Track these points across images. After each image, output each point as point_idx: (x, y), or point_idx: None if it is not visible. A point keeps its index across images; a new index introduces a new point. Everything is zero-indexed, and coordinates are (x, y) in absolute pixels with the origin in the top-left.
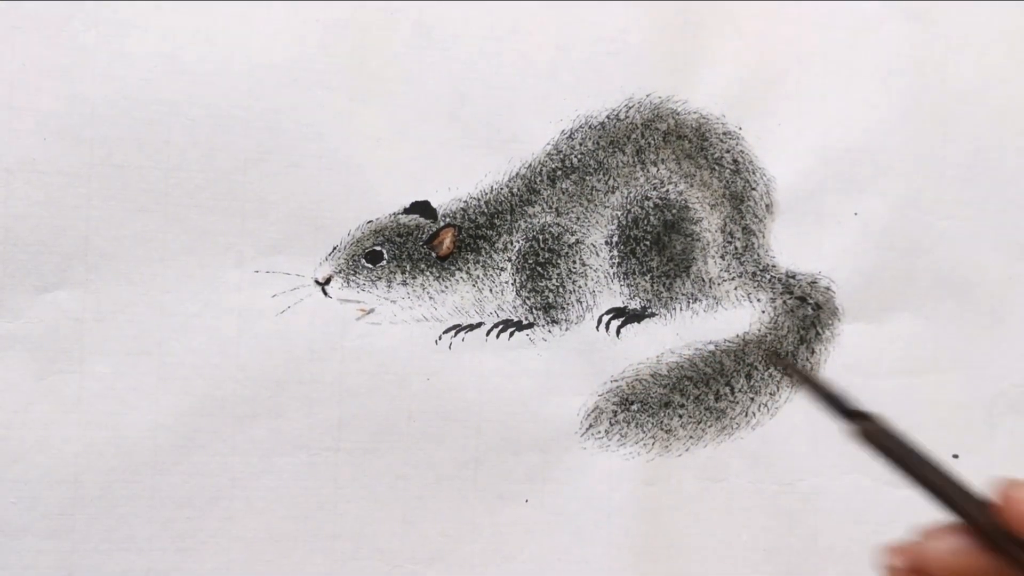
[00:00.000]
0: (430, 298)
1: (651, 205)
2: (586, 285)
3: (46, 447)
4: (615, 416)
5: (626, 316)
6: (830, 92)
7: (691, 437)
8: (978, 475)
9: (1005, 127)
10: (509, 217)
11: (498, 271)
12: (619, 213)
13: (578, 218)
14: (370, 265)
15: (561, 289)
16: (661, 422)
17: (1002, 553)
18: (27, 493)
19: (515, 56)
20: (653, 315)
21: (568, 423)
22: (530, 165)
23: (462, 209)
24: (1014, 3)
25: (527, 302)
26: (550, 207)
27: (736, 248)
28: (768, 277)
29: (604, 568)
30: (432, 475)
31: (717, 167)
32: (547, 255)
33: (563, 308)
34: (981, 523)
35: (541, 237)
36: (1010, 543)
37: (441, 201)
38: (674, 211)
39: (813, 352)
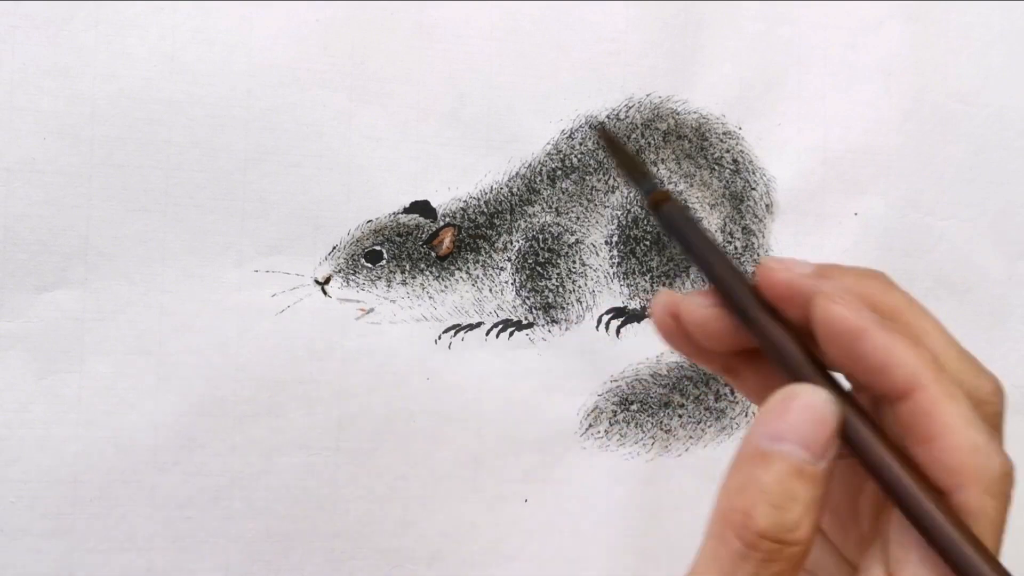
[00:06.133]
0: (430, 298)
1: None
2: (586, 285)
3: (46, 447)
4: (615, 416)
5: (626, 316)
6: (830, 92)
7: (691, 437)
8: None
9: (1005, 127)
10: (509, 217)
11: (498, 271)
12: (619, 213)
13: (578, 218)
14: (370, 265)
15: (561, 289)
16: (661, 422)
17: (741, 318)
18: (27, 493)
19: (515, 56)
20: None
21: (568, 423)
22: (530, 165)
23: (462, 209)
24: (1014, 3)
25: (527, 302)
26: (550, 207)
27: (736, 248)
28: None
29: (604, 568)
30: (432, 475)
31: (717, 167)
32: (547, 255)
33: (563, 308)
34: (734, 293)
35: (541, 237)
36: (749, 310)
37: (441, 201)
38: None
39: None
